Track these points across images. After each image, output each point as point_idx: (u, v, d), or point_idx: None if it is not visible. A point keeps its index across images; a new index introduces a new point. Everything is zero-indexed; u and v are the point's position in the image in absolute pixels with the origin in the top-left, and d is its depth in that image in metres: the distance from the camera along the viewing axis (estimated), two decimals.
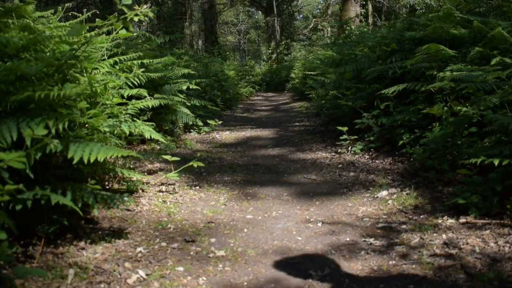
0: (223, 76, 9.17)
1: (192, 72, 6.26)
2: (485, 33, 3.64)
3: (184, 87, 5.42)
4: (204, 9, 15.41)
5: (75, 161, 1.80)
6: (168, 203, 2.99)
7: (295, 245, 2.28)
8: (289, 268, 1.98)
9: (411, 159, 3.65)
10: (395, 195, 3.00)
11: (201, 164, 3.27)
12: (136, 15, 1.92)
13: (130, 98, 3.25)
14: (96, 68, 2.84)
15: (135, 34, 5.49)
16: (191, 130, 6.10)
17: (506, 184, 2.36)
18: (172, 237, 2.36)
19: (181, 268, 1.97)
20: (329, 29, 20.36)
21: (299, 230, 2.49)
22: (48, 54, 2.35)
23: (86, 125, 2.32)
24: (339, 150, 4.54)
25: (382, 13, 16.66)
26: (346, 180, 3.54)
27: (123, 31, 2.27)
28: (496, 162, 2.27)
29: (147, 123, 3.36)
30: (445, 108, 3.30)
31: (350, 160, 4.17)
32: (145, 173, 3.60)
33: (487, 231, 2.19)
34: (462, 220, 2.37)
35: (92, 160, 1.81)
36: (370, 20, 14.97)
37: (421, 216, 2.55)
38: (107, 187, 2.95)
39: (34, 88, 1.92)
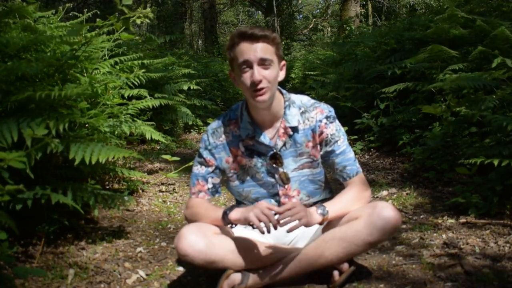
0: (223, 76, 9.15)
1: (192, 72, 6.27)
2: (487, 33, 3.63)
3: (185, 87, 5.42)
4: (204, 9, 15.39)
5: (76, 163, 1.81)
6: (168, 203, 3.00)
7: None
8: None
9: (411, 159, 3.65)
10: (395, 195, 3.00)
11: None
12: (138, 17, 1.92)
13: (130, 98, 3.25)
14: (97, 68, 2.84)
15: (136, 36, 5.50)
16: (191, 130, 6.10)
17: (506, 184, 2.36)
18: (172, 237, 2.36)
19: (181, 268, 1.97)
20: (329, 29, 20.31)
21: None
22: (48, 54, 2.35)
23: (87, 125, 2.33)
24: None
25: (382, 13, 16.64)
26: None
27: (125, 33, 2.28)
28: (495, 162, 2.27)
29: (148, 123, 3.36)
30: (443, 106, 3.29)
31: None
32: (145, 173, 3.60)
33: (487, 231, 2.19)
34: (462, 220, 2.37)
35: (93, 162, 1.82)
36: (370, 20, 14.96)
37: (421, 216, 2.55)
38: (107, 187, 2.96)
39: (34, 88, 1.92)
